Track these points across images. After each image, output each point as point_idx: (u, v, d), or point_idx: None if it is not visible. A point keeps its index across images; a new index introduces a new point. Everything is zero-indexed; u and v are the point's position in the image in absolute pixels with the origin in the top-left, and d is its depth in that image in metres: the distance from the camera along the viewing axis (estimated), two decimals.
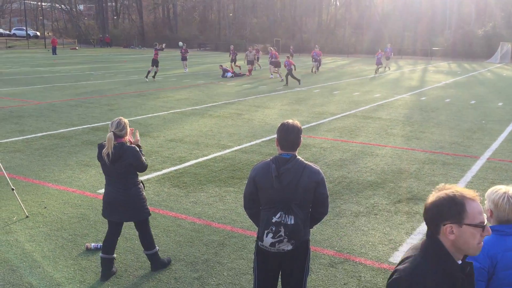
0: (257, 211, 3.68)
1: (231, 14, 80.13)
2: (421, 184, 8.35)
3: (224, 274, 5.07)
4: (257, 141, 11.50)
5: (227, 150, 10.58)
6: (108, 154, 4.65)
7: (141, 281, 4.92)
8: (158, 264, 5.09)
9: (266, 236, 3.43)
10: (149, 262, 5.14)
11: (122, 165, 4.72)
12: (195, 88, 22.79)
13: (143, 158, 4.84)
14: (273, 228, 3.41)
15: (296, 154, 3.59)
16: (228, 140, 11.58)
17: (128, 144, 4.80)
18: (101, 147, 4.78)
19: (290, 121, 3.62)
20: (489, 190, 2.89)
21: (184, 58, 31.19)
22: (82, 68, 33.50)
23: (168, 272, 5.10)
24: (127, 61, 42.71)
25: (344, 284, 4.88)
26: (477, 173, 9.05)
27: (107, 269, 4.94)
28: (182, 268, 5.19)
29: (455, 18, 63.64)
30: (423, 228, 6.40)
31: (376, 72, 32.64)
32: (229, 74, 28.38)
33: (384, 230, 6.32)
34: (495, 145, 11.40)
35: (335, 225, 6.45)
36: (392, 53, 37.60)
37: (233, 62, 31.61)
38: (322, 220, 6.50)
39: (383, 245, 5.85)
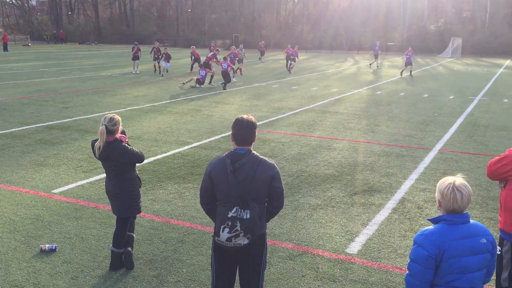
0: (213, 206, 3.69)
1: (189, 10, 79.37)
2: (377, 176, 8.58)
3: (183, 271, 5.06)
4: (217, 137, 11.49)
5: (186, 147, 10.51)
6: (99, 147, 4.75)
7: (98, 282, 4.84)
8: (128, 263, 5.04)
9: (223, 231, 3.45)
10: (110, 260, 5.07)
11: (113, 164, 4.84)
12: (153, 84, 22.48)
13: (134, 149, 4.91)
14: (229, 223, 3.43)
15: (252, 149, 3.62)
16: (187, 137, 11.51)
17: (118, 142, 4.85)
18: (93, 144, 4.89)
19: (245, 116, 3.65)
20: (439, 181, 2.99)
21: (135, 58, 27.75)
22: (35, 65, 32.40)
23: (126, 271, 5.04)
24: (82, 57, 41.60)
25: (302, 276, 4.97)
26: (429, 164, 9.37)
27: (115, 262, 5.04)
28: (141, 267, 5.14)
29: (409, 14, 65.38)
30: (378, 219, 6.59)
31: (374, 67, 33.69)
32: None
33: (341, 222, 6.46)
34: (446, 137, 11.83)
35: (294, 219, 6.54)
36: (380, 51, 35.48)
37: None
38: (281, 214, 6.64)
39: (340, 237, 5.98)
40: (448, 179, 2.92)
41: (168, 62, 27.23)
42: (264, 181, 3.52)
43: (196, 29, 75.62)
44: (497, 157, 3.81)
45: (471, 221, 2.92)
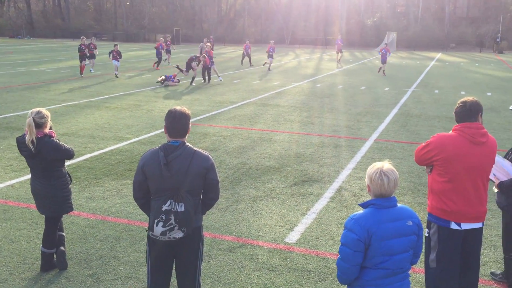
0: (147, 200, 3.61)
1: (128, 3, 77.21)
2: (316, 166, 8.75)
3: (120, 269, 4.93)
4: (157, 132, 11.28)
5: (125, 142, 10.25)
6: (32, 141, 4.53)
7: (28, 284, 4.62)
8: (61, 263, 4.84)
9: (157, 225, 3.38)
10: (41, 262, 4.85)
11: (44, 160, 4.63)
12: (90, 79, 21.73)
13: (64, 145, 4.72)
14: (163, 217, 3.36)
15: (186, 141, 3.56)
16: (126, 132, 11.22)
17: (48, 137, 4.64)
18: (20, 140, 4.67)
19: (178, 107, 3.59)
20: (369, 167, 3.07)
21: (92, 56, 24.86)
22: None
23: (58, 272, 4.84)
24: (13, 52, 39.49)
25: (241, 267, 4.98)
26: (365, 154, 9.67)
27: (46, 263, 4.86)
28: (75, 267, 4.96)
29: (346, 9, 67.05)
30: (316, 208, 6.72)
31: (339, 59, 32.81)
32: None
33: (280, 213, 6.53)
34: (381, 127, 12.26)
35: (234, 211, 6.54)
36: (342, 45, 33.58)
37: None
38: (221, 207, 6.62)
39: (280, 227, 6.05)
40: (376, 165, 3.00)
41: (118, 60, 23.06)
42: (199, 173, 3.48)
43: (135, 23, 73.79)
44: (423, 144, 3.97)
45: (399, 205, 3.03)
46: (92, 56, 25.07)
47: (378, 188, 2.94)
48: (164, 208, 3.37)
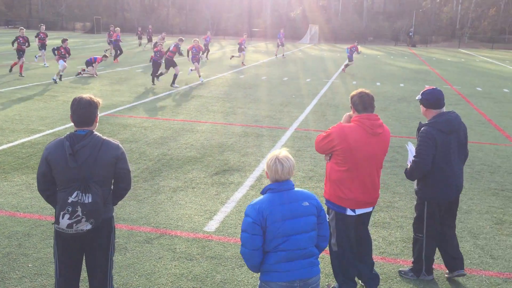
0: (53, 192, 3.45)
1: None
2: (237, 155, 8.82)
3: (28, 266, 4.69)
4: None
5: (38, 135, 9.72)
6: None
7: None
8: None
9: (62, 218, 3.25)
10: None
11: None
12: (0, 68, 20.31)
13: None
14: (70, 209, 3.24)
15: (94, 130, 3.44)
16: (39, 124, 10.64)
17: None
18: None
19: (84, 95, 3.46)
20: (268, 155, 3.18)
21: (43, 47, 22.60)
22: None
23: None
24: None
25: (159, 258, 4.92)
26: (285, 143, 9.89)
27: None
28: None
29: (270, 2, 67.81)
30: (236, 196, 6.78)
31: (280, 53, 32.33)
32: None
33: (200, 202, 6.52)
34: (301, 117, 12.60)
35: (153, 202, 6.44)
36: (284, 38, 32.79)
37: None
38: (140, 199, 6.50)
39: (199, 216, 6.04)
40: (274, 153, 3.10)
41: (65, 60, 18.02)
42: (108, 162, 3.38)
43: (51, 10, 69.89)
44: (323, 134, 4.10)
45: (297, 189, 3.13)
46: (43, 47, 22.50)
47: (273, 174, 3.06)
48: (70, 199, 3.25)
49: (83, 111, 3.38)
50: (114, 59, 25.65)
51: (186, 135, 10.21)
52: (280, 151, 3.12)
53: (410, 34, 56.80)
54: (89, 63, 19.39)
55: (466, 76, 24.14)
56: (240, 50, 26.30)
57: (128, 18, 69.35)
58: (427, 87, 4.59)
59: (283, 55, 33.17)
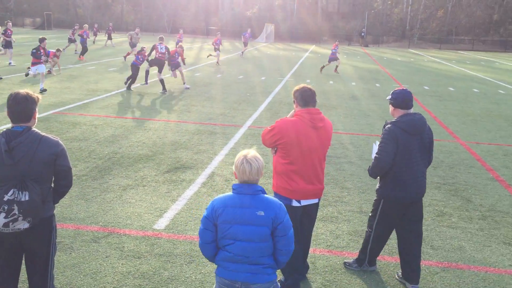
0: None
1: None
2: (189, 153, 8.79)
3: None
4: None
5: None
6: None
7: None
8: None
9: None
10: None
11: None
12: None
13: None
14: (6, 207, 3.14)
15: (32, 127, 3.36)
16: None
17: None
18: None
19: (21, 90, 3.37)
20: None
21: (8, 45, 20.98)
22: None
23: None
24: None
25: (106, 257, 4.85)
26: (239, 140, 9.94)
27: None
28: None
29: (227, 0, 67.71)
30: (187, 194, 6.77)
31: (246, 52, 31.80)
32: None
33: (151, 200, 6.47)
34: (256, 114, 12.68)
35: (101, 201, 6.33)
36: (250, 38, 32.54)
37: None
38: (88, 198, 6.37)
39: (149, 214, 5.99)
40: (242, 152, 3.02)
41: (43, 63, 15.34)
42: (47, 159, 3.31)
43: None
44: (268, 128, 4.20)
45: (264, 195, 2.99)
46: (9, 45, 20.85)
47: (241, 175, 2.96)
48: (6, 198, 3.15)
49: (19, 107, 3.29)
50: (79, 56, 24.88)
51: (138, 133, 10.08)
52: (249, 151, 3.03)
53: (363, 34, 58.19)
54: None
55: (414, 76, 24.98)
56: (216, 49, 26.17)
57: (80, 14, 67.45)
58: (402, 86, 4.63)
59: (242, 53, 33.01)
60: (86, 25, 26.82)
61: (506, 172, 8.46)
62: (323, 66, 23.79)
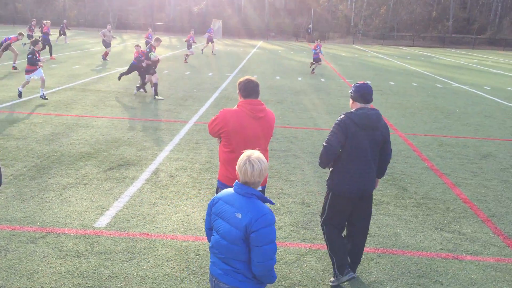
0: None
1: None
2: (133, 150, 8.67)
3: None
4: None
5: None
6: None
7: None
8: None
9: None
10: None
11: None
12: None
13: None
14: None
15: None
16: None
17: None
18: None
19: None
20: None
21: None
22: None
23: None
24: None
25: (43, 257, 4.73)
26: (184, 136, 9.90)
27: None
28: None
29: None
30: (130, 191, 6.69)
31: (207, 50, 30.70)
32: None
33: (92, 198, 6.34)
34: (202, 110, 12.65)
35: (40, 201, 6.14)
36: (213, 34, 31.40)
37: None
38: (25, 198, 6.18)
39: (90, 212, 5.88)
40: (247, 153, 2.95)
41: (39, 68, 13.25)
42: None
43: None
44: (213, 118, 4.30)
45: (256, 200, 2.90)
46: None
47: (242, 175, 2.90)
48: None
49: None
50: (50, 56, 23.56)
51: (80, 131, 9.82)
52: (254, 152, 2.95)
53: (309, 30, 59.15)
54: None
55: (358, 71, 25.71)
56: (189, 46, 25.72)
57: (20, 9, 64.53)
58: (366, 82, 4.56)
59: (212, 52, 31.89)
60: (48, 21, 25.02)
61: (440, 161, 8.92)
62: (313, 69, 23.14)
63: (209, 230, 3.11)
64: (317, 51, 22.71)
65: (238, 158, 4.12)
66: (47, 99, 12.86)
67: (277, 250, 5.15)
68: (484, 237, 5.76)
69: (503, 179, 8.05)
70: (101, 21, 62.76)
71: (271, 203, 3.02)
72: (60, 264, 4.63)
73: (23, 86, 13.14)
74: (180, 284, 4.41)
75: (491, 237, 5.77)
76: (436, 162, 8.86)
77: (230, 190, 3.00)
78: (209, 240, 3.12)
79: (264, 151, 4.35)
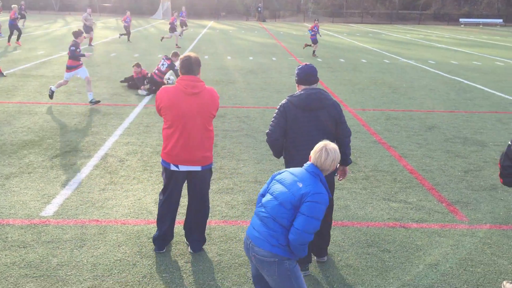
0: None
1: None
2: (81, 135, 8.41)
3: None
4: None
5: None
6: None
7: None
8: None
9: None
10: None
11: None
12: None
13: None
14: None
15: None
16: None
17: None
18: None
19: None
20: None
21: None
22: None
23: None
24: None
25: None
26: (134, 119, 9.69)
27: None
28: None
29: None
30: (78, 177, 6.50)
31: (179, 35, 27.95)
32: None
33: (37, 187, 6.12)
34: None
35: None
36: (186, 19, 30.25)
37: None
38: None
39: (35, 201, 5.68)
40: (324, 141, 3.21)
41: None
42: None
43: None
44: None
45: (318, 181, 3.13)
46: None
47: (316, 158, 3.15)
48: None
49: None
50: (16, 40, 22.21)
51: (22, 118, 9.42)
52: (329, 142, 3.21)
53: (259, 9, 58.84)
54: None
55: (309, 49, 25.89)
56: (172, 30, 24.55)
57: None
58: (308, 63, 4.42)
59: (180, 35, 29.57)
60: (15, 6, 23.18)
61: (387, 135, 9.17)
62: (314, 51, 22.25)
63: (261, 196, 3.29)
64: (314, 32, 21.82)
65: (174, 134, 4.28)
66: (99, 101, 10.91)
67: (230, 230, 5.19)
68: (429, 205, 6.00)
69: (447, 149, 8.39)
70: (43, 2, 59.97)
71: (329, 194, 3.22)
72: (5, 255, 4.46)
73: (59, 86, 10.97)
74: (132, 268, 4.35)
75: (435, 204, 6.02)
76: (384, 135, 9.11)
77: (300, 168, 3.24)
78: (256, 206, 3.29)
79: (205, 130, 4.33)
